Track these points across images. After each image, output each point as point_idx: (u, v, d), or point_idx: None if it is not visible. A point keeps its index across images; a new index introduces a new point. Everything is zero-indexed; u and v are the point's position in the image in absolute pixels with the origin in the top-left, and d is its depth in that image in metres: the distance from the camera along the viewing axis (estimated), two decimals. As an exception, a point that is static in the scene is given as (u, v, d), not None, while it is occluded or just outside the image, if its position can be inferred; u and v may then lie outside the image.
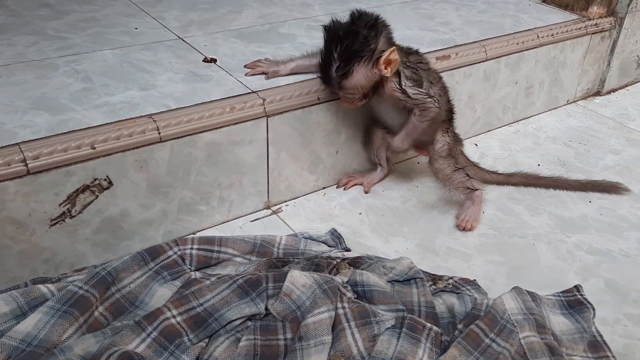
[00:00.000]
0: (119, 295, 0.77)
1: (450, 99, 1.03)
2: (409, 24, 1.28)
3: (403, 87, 0.93)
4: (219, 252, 0.86)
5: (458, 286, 0.84)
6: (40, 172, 0.75)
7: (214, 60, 1.03)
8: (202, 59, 1.03)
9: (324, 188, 1.08)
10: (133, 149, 0.81)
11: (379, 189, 1.09)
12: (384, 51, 0.88)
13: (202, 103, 0.88)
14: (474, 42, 1.21)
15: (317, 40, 1.14)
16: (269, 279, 0.77)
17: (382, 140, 1.06)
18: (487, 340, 0.74)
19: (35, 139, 0.76)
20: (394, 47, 0.89)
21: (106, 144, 0.79)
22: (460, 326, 0.76)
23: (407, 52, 0.97)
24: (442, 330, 0.76)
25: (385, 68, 0.89)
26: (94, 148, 0.78)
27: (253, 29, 1.18)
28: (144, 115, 0.84)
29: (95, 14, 1.20)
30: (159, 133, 0.83)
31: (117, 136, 0.80)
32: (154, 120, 0.83)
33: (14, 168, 0.73)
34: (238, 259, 0.87)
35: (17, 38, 1.05)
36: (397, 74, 0.93)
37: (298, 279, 0.77)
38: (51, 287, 0.75)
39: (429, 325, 0.74)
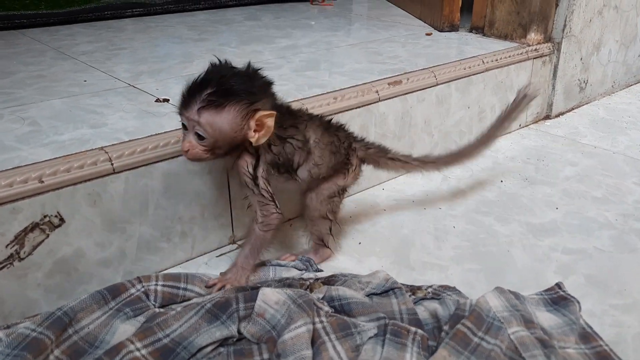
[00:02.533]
0: (76, 337, 0.70)
1: (336, 150, 0.88)
2: (358, 59, 1.31)
3: (257, 173, 0.80)
4: (185, 289, 0.80)
5: (439, 293, 0.81)
6: (-17, 209, 0.70)
7: (166, 100, 1.01)
8: (155, 99, 1.02)
9: (289, 219, 1.05)
10: (85, 181, 0.77)
11: (346, 216, 1.06)
12: (263, 110, 0.75)
13: (156, 134, 0.86)
14: (424, 68, 1.23)
15: (272, 72, 1.15)
16: (239, 300, 0.72)
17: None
18: (475, 339, 0.70)
19: (-25, 176, 0.72)
20: (274, 113, 0.75)
21: (55, 177, 0.75)
22: (446, 327, 0.72)
23: (283, 127, 0.81)
24: (427, 336, 0.71)
25: (254, 130, 0.75)
26: (42, 182, 0.74)
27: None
28: (95, 148, 0.80)
29: (42, 72, 1.18)
30: (112, 164, 0.79)
31: (66, 169, 0.76)
32: (106, 152, 0.80)
33: (-46, 206, 0.68)
34: (200, 299, 0.82)
35: (-41, 96, 1.02)
36: (257, 154, 0.80)
37: (270, 297, 0.72)
38: (0, 333, 0.68)
39: (413, 329, 0.70)
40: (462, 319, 0.72)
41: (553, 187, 1.17)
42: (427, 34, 1.59)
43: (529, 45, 1.45)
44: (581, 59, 1.58)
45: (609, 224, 1.04)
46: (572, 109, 1.64)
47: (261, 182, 0.80)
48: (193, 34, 1.57)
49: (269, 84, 0.79)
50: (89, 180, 0.78)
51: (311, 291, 0.79)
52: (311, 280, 0.82)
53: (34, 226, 0.74)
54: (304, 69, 1.22)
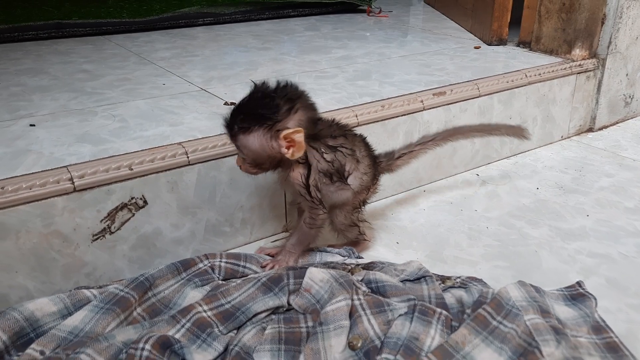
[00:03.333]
0: (154, 299, 0.85)
1: (374, 164, 0.99)
2: (407, 70, 1.42)
3: (309, 182, 0.88)
4: (244, 267, 0.94)
5: (466, 283, 0.91)
6: (85, 189, 0.85)
7: (233, 104, 1.15)
8: (224, 102, 1.16)
9: (337, 214, 1.16)
10: (165, 170, 0.92)
11: (388, 213, 1.17)
12: (288, 128, 0.82)
13: (224, 133, 0.99)
14: (468, 81, 1.33)
15: (324, 86, 1.28)
16: (290, 276, 0.85)
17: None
18: (494, 322, 0.79)
19: (80, 162, 0.87)
20: (301, 129, 0.82)
21: (142, 165, 0.90)
22: (468, 311, 0.82)
23: (333, 136, 0.90)
24: (452, 317, 0.82)
25: (287, 148, 0.83)
26: (131, 169, 0.89)
27: (268, 79, 1.32)
28: (175, 143, 0.95)
29: (127, 75, 1.35)
30: (188, 157, 0.94)
31: (151, 159, 0.90)
32: (183, 147, 0.94)
33: (63, 185, 0.83)
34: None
35: (59, 95, 1.19)
36: (308, 165, 0.88)
37: (316, 275, 0.84)
38: (94, 291, 0.83)
39: (439, 310, 0.81)
40: (484, 305, 0.81)
41: (587, 196, 1.24)
42: (476, 47, 1.67)
43: (574, 61, 1.52)
44: (627, 74, 1.62)
45: (637, 232, 1.10)
46: (617, 122, 1.69)
47: (312, 190, 0.89)
48: (257, 42, 1.72)
49: (296, 99, 0.84)
50: (168, 170, 0.92)
51: (352, 274, 0.90)
52: (352, 265, 0.94)
53: (123, 206, 0.89)
54: (356, 79, 1.34)
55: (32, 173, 0.83)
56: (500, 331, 0.78)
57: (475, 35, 1.83)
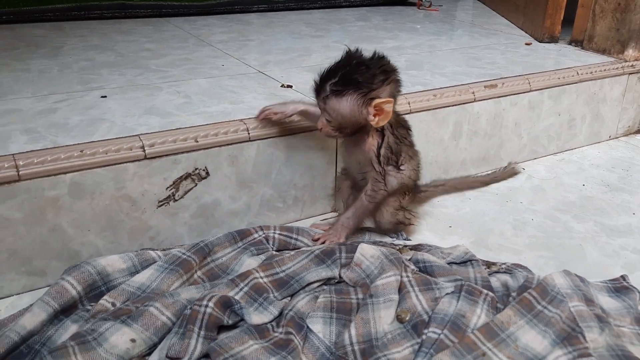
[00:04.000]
0: (213, 264, 0.90)
1: (418, 176, 1.05)
2: (458, 63, 1.44)
3: (380, 151, 0.93)
4: (296, 239, 0.98)
5: (511, 269, 0.93)
6: (154, 157, 0.91)
7: (289, 86, 1.20)
8: (280, 85, 1.20)
9: (384, 198, 1.20)
10: (227, 145, 0.97)
11: (434, 200, 1.20)
12: (380, 97, 0.87)
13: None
14: (519, 75, 1.34)
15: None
16: (342, 250, 0.89)
17: (349, 193, 1.05)
18: (539, 307, 0.82)
19: (150, 132, 0.93)
20: (392, 100, 0.88)
21: (206, 139, 0.95)
22: (514, 294, 0.85)
23: (401, 123, 0.98)
24: (497, 299, 0.84)
25: (374, 115, 0.88)
26: (197, 141, 0.94)
27: (321, 66, 1.35)
28: (236, 120, 1.00)
29: (187, 55, 1.41)
30: (249, 133, 0.98)
31: (215, 133, 0.95)
32: (245, 123, 0.99)
33: (135, 152, 0.89)
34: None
35: (126, 70, 1.26)
36: (383, 136, 0.93)
37: (367, 251, 0.88)
38: (159, 252, 0.89)
39: (485, 291, 0.83)
40: (529, 289, 0.84)
41: (633, 195, 1.25)
42: (527, 44, 1.68)
43: (626, 61, 1.51)
44: (681, 77, 1.61)
45: (684, 232, 1.11)
46: (668, 126, 1.67)
47: (382, 160, 0.94)
48: (310, 30, 1.76)
49: (390, 72, 0.90)
50: (230, 144, 0.97)
51: (400, 254, 0.94)
52: (400, 246, 0.97)
53: (187, 176, 0.95)
54: (408, 68, 1.37)
55: (107, 139, 0.89)
56: (544, 315, 0.81)
57: (526, 32, 1.83)
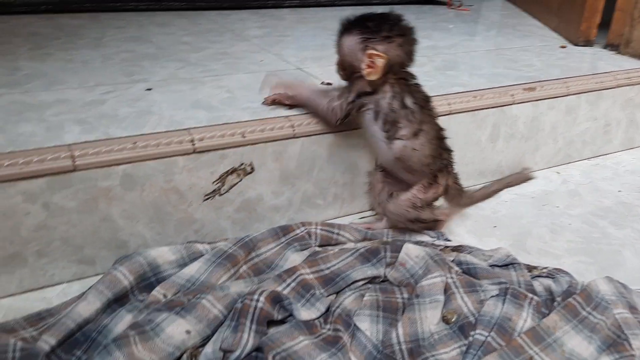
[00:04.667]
0: (257, 259, 0.91)
1: (434, 158, 0.98)
2: (495, 64, 1.44)
3: (361, 104, 0.94)
4: (337, 234, 0.99)
5: (553, 274, 0.94)
6: (203, 152, 0.92)
7: (329, 84, 1.20)
8: (320, 82, 1.21)
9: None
10: (273, 141, 0.97)
11: (471, 201, 1.20)
12: (376, 49, 0.89)
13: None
14: (557, 79, 1.34)
15: (417, 69, 1.31)
16: (387, 249, 0.90)
17: (380, 188, 1.03)
18: (584, 312, 0.82)
19: (199, 126, 0.94)
20: (386, 57, 0.89)
21: (253, 134, 0.96)
22: (558, 299, 0.85)
23: (412, 92, 0.95)
24: (542, 303, 0.85)
25: (367, 66, 0.89)
26: (244, 137, 0.95)
27: (359, 64, 1.37)
28: (282, 116, 1.01)
29: (225, 49, 1.42)
30: (294, 130, 0.99)
31: (261, 129, 0.96)
32: (290, 120, 0.99)
33: (185, 146, 0.90)
34: (351, 244, 1.00)
35: (167, 63, 1.27)
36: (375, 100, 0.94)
37: (412, 251, 0.89)
38: (205, 246, 0.90)
39: (530, 294, 0.84)
40: (573, 295, 0.84)
41: (671, 203, 1.24)
42: (562, 47, 1.67)
43: (665, 67, 1.50)
44: None
45: None
46: (702, 133, 1.66)
47: (355, 105, 0.94)
48: (343, 27, 1.76)
49: (402, 33, 0.92)
50: (276, 140, 0.98)
51: (443, 254, 0.94)
52: (442, 246, 0.98)
53: (233, 170, 0.96)
54: (445, 69, 1.37)
55: (158, 132, 0.91)
56: (589, 321, 0.81)
57: (560, 35, 1.82)
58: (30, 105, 0.98)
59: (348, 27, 0.92)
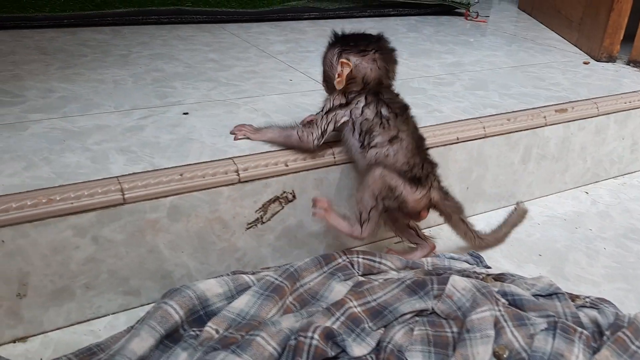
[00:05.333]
0: (302, 289, 0.90)
1: (410, 167, 0.94)
2: (523, 83, 1.43)
3: (334, 113, 0.94)
4: (379, 263, 0.99)
5: (596, 303, 0.93)
6: (247, 181, 0.91)
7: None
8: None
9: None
10: (315, 169, 0.97)
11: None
12: (348, 61, 0.92)
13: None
14: (587, 99, 1.34)
15: (445, 93, 1.31)
16: (434, 282, 0.89)
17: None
18: (633, 347, 0.82)
19: (243, 155, 0.93)
20: (351, 66, 0.92)
21: (296, 162, 0.95)
22: (607, 333, 0.85)
23: (386, 103, 0.95)
24: (591, 337, 0.85)
25: (338, 75, 0.93)
26: (287, 165, 0.94)
27: (388, 83, 1.36)
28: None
29: (253, 68, 1.41)
30: (334, 157, 0.99)
31: (304, 157, 0.96)
32: (331, 147, 0.99)
33: (230, 176, 0.90)
34: (393, 272, 1.00)
35: (198, 84, 1.26)
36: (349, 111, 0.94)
37: (459, 283, 0.89)
38: (251, 277, 0.89)
39: (579, 328, 0.84)
40: (622, 328, 0.84)
41: (702, 225, 1.25)
42: (585, 63, 1.67)
43: (690, 86, 1.50)
44: None
45: None
46: None
47: (326, 118, 0.94)
48: (366, 41, 1.75)
49: (378, 50, 0.94)
50: (317, 168, 0.97)
51: (486, 283, 0.94)
52: (483, 275, 0.97)
53: (275, 199, 0.95)
54: (474, 88, 1.37)
55: (203, 162, 0.90)
56: (639, 356, 0.81)
57: (581, 49, 1.82)
58: (71, 132, 0.97)
59: (332, 42, 0.97)
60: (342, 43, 0.95)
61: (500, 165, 1.22)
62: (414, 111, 1.18)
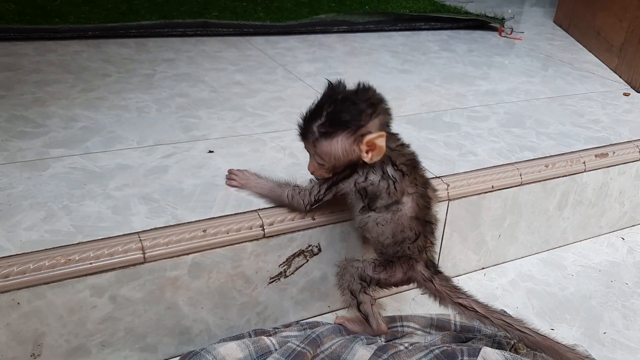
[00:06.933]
0: (323, 355, 0.87)
1: (402, 240, 0.85)
2: (561, 119, 1.37)
3: (339, 182, 0.85)
4: (402, 326, 0.95)
5: (634, 379, 0.89)
6: (272, 236, 0.88)
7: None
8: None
9: (483, 268, 1.16)
10: (341, 222, 0.93)
11: (536, 274, 1.15)
12: (370, 133, 0.79)
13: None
14: (629, 141, 1.27)
15: (479, 130, 1.26)
16: (464, 353, 0.85)
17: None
18: None
19: (269, 207, 0.89)
20: (384, 133, 0.79)
21: (323, 216, 0.91)
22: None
23: (394, 164, 0.83)
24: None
25: (367, 152, 0.80)
26: (314, 219, 0.90)
27: (420, 117, 1.31)
28: (351, 193, 0.96)
29: (280, 94, 1.36)
30: (364, 209, 0.94)
31: (331, 211, 0.92)
32: (360, 198, 0.95)
33: (255, 232, 0.86)
34: (419, 332, 0.96)
35: (224, 113, 1.22)
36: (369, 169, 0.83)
37: (490, 356, 0.84)
38: (273, 339, 0.86)
39: (618, 414, 0.79)
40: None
41: None
42: (625, 94, 1.60)
43: None
44: None
45: None
46: None
47: (328, 186, 0.86)
48: (396, 62, 1.70)
49: (377, 103, 0.81)
50: (344, 221, 0.93)
51: (517, 352, 0.90)
52: (515, 341, 0.93)
53: (300, 252, 0.92)
54: (510, 125, 1.31)
55: (227, 216, 0.86)
56: None
57: (621, 77, 1.74)
58: (92, 173, 0.94)
59: (325, 133, 0.80)
60: (343, 124, 0.79)
61: (535, 212, 1.16)
62: (446, 152, 1.14)
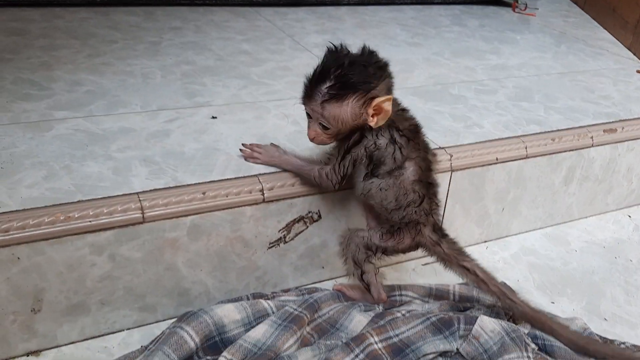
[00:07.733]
0: (320, 320, 0.87)
1: (408, 203, 0.84)
2: (570, 94, 1.35)
3: (351, 150, 0.83)
4: (400, 295, 0.95)
5: (632, 350, 0.88)
6: (272, 201, 0.87)
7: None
8: (389, 113, 1.14)
9: (485, 242, 1.15)
10: (342, 190, 0.92)
11: (539, 249, 1.14)
12: (378, 96, 0.78)
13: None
14: (639, 118, 1.25)
15: (486, 103, 1.24)
16: (460, 321, 0.85)
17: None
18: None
19: (269, 172, 0.89)
20: (391, 97, 0.79)
21: (324, 182, 0.91)
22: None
23: (399, 129, 0.83)
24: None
25: (372, 116, 0.80)
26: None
27: (426, 89, 1.29)
28: (353, 161, 0.95)
29: (286, 63, 1.35)
30: (365, 177, 0.94)
31: (332, 177, 0.91)
32: (362, 166, 0.94)
33: (254, 196, 0.86)
34: (417, 301, 0.95)
35: (228, 81, 1.22)
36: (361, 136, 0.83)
37: (487, 324, 0.84)
38: (270, 303, 0.87)
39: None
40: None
41: None
42: (638, 72, 1.57)
43: None
44: None
45: None
46: None
47: (348, 159, 0.83)
48: (406, 35, 1.67)
49: (383, 67, 0.81)
50: (345, 189, 0.93)
51: (515, 323, 0.89)
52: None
53: (300, 218, 0.92)
54: (518, 99, 1.29)
55: (227, 180, 0.86)
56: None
57: (635, 55, 1.71)
58: (95, 135, 0.94)
59: (335, 95, 0.78)
60: (352, 87, 0.78)
61: (540, 187, 1.15)
62: (452, 124, 1.13)
